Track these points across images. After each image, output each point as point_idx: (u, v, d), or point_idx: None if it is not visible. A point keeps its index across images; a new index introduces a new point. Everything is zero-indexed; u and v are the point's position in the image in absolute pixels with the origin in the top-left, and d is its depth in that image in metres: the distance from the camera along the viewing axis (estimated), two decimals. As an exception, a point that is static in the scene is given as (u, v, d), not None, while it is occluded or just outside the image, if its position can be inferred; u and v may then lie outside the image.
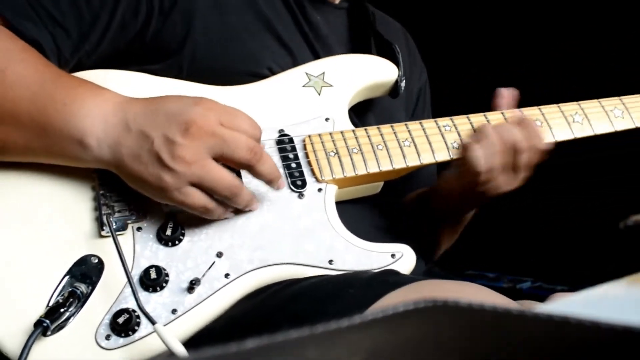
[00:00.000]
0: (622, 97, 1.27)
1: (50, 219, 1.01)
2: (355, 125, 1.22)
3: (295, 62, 1.23)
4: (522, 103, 1.23)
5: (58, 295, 0.96)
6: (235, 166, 1.00)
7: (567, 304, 0.50)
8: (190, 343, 0.96)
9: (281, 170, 1.10)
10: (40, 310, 0.94)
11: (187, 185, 0.96)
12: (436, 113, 1.22)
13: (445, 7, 2.18)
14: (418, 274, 1.27)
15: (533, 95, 1.26)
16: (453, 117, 1.20)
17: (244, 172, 1.05)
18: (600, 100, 1.26)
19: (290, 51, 1.23)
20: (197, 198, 0.97)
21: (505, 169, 1.12)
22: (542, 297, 1.05)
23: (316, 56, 1.26)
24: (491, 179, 1.11)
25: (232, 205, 1.02)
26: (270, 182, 1.03)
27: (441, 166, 1.27)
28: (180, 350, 0.89)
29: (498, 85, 1.26)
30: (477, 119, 1.20)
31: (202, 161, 0.95)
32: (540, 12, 2.03)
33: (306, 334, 0.36)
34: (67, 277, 0.98)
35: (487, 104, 1.25)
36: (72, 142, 0.96)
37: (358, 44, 1.33)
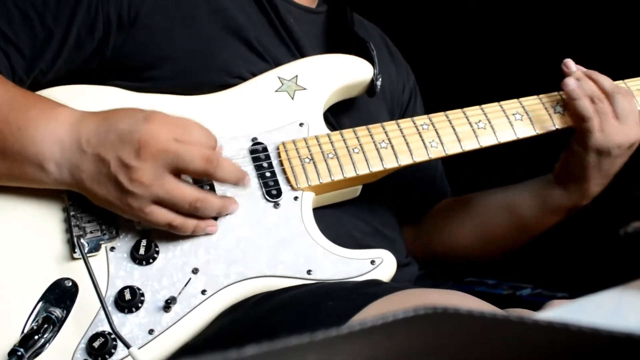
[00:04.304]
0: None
1: (21, 243, 1.00)
2: (334, 127, 1.20)
3: (272, 68, 1.20)
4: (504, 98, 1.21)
5: (32, 322, 0.95)
6: (194, 177, 1.01)
7: (568, 311, 0.51)
8: (169, 361, 0.95)
9: (255, 180, 1.08)
10: (15, 338, 0.92)
11: (149, 204, 0.96)
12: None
13: (427, 10, 2.14)
14: (412, 278, 1.26)
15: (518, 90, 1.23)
16: (430, 115, 1.17)
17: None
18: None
19: (265, 57, 1.19)
20: (161, 215, 0.97)
21: (614, 114, 1.15)
22: (542, 304, 1.04)
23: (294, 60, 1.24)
24: (602, 123, 1.14)
25: (203, 216, 1.00)
26: (236, 184, 1.03)
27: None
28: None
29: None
30: (455, 115, 1.17)
31: (159, 180, 0.95)
32: (524, 12, 2.00)
33: (306, 340, 0.36)
34: (41, 302, 0.97)
35: (471, 101, 1.22)
36: (32, 166, 0.97)
37: (335, 46, 1.30)
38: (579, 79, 1.18)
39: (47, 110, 0.99)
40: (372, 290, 0.95)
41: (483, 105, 1.19)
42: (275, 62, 1.20)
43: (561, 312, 0.52)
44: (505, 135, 1.17)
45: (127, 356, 0.93)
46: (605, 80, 1.18)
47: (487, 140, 1.17)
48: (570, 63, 1.21)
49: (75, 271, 0.99)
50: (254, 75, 1.17)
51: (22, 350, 0.90)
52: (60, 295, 0.98)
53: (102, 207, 0.99)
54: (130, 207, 0.96)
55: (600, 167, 1.19)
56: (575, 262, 1.81)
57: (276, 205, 1.07)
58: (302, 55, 1.24)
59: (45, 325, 0.94)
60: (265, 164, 1.09)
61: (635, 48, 1.70)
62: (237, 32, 1.18)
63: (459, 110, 1.18)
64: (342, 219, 1.16)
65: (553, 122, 1.20)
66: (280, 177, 1.09)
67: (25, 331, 0.94)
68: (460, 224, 1.37)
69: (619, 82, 1.25)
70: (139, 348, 0.94)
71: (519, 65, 1.87)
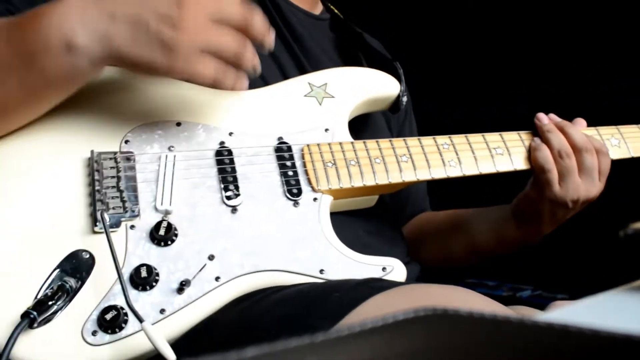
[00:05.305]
0: (619, 127, 1.29)
1: (43, 212, 1.01)
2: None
3: (281, 70, 1.24)
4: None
5: (47, 288, 0.95)
6: (234, 25, 0.98)
7: (567, 312, 0.51)
8: (173, 345, 0.96)
9: (277, 178, 1.10)
10: (28, 302, 0.93)
11: (196, 54, 0.93)
12: (421, 131, 1.24)
13: (427, 26, 2.18)
14: (412, 278, 1.28)
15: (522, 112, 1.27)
16: (452, 136, 1.21)
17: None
18: (597, 128, 1.27)
19: (275, 59, 1.24)
20: (210, 66, 0.94)
21: (579, 170, 1.15)
22: (541, 306, 1.06)
23: (299, 64, 1.28)
24: (564, 178, 1.15)
25: (241, 68, 1.00)
26: (263, 37, 1.01)
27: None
28: (167, 350, 0.89)
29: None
30: (475, 139, 1.21)
31: (203, 26, 0.93)
32: (523, 25, 2.03)
33: (306, 342, 0.36)
34: (57, 270, 0.97)
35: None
36: (60, 54, 0.92)
37: (346, 57, 1.34)
38: (549, 131, 1.19)
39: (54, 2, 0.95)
40: (378, 284, 0.98)
41: (502, 133, 1.23)
42: (284, 66, 1.25)
43: (561, 313, 0.53)
44: (522, 163, 1.21)
45: (137, 331, 0.94)
46: (576, 135, 1.17)
47: (504, 166, 1.20)
48: (542, 116, 1.22)
49: (94, 244, 1.00)
50: (265, 75, 1.20)
51: (35, 313, 0.90)
52: (77, 266, 0.98)
53: (144, 73, 0.96)
54: (175, 63, 0.91)
55: (553, 215, 1.21)
56: (575, 263, 1.82)
57: (296, 204, 1.09)
58: (311, 60, 1.28)
59: (59, 293, 0.94)
60: (288, 163, 1.12)
61: (634, 52, 1.74)
62: None
63: (479, 134, 1.22)
64: (355, 226, 1.19)
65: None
66: (302, 177, 1.11)
67: (40, 296, 0.94)
68: (422, 242, 1.42)
69: (592, 131, 1.25)
70: (149, 326, 0.94)
71: (518, 72, 1.90)
